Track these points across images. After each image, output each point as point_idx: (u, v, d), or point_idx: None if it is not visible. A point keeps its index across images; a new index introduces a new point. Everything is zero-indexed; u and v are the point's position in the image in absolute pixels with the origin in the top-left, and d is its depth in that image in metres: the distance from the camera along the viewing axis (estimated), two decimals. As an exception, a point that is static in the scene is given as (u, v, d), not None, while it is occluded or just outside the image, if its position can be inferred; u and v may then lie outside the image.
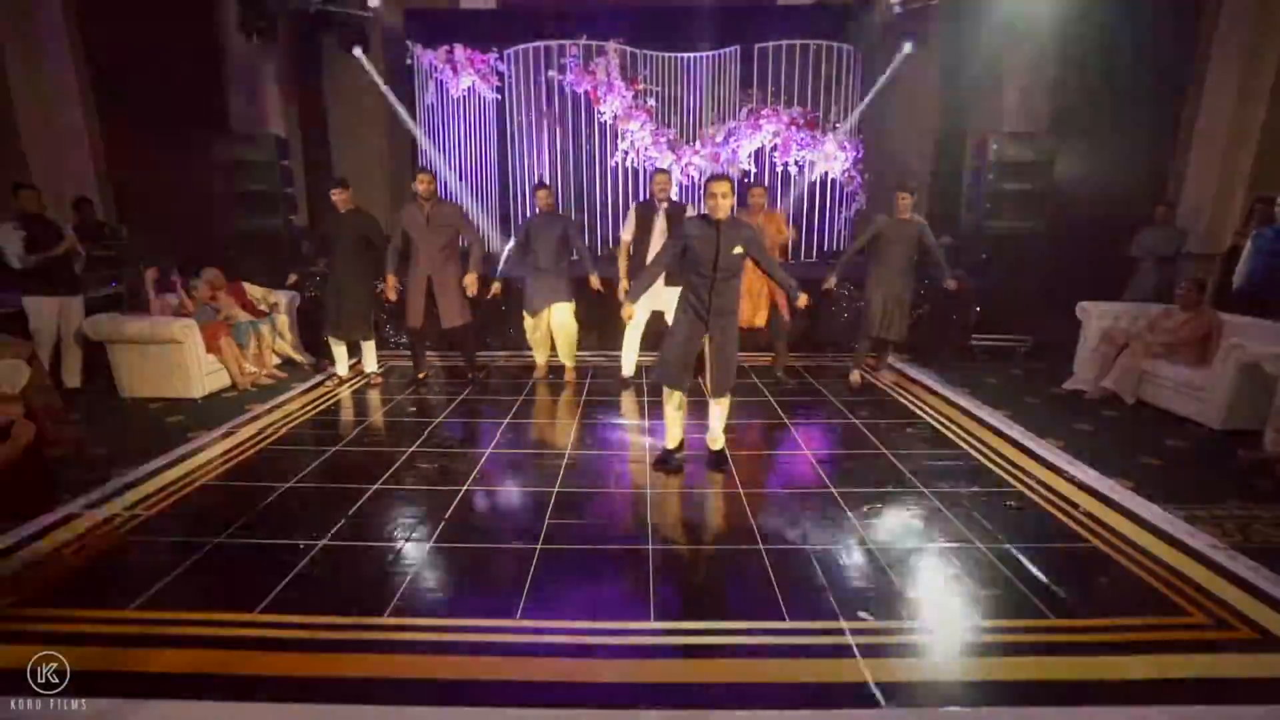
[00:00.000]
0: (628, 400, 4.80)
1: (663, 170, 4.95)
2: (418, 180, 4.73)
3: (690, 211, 4.86)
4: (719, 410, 3.41)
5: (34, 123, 5.95)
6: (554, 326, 5.14)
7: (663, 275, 4.79)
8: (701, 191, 4.39)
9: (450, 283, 4.86)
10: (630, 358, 5.12)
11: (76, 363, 4.93)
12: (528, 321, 5.15)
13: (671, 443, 3.50)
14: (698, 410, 3.92)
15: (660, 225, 4.71)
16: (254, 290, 5.74)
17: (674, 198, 4.88)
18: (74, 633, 2.12)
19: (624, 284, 4.64)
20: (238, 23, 6.43)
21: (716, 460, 3.50)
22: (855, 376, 5.19)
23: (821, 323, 6.21)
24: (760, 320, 5.02)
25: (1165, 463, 3.61)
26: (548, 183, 5.19)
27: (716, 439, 3.49)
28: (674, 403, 3.37)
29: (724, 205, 3.02)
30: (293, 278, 4.97)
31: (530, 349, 5.41)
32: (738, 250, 3.07)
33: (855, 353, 5.26)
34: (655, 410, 4.54)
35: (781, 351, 5.31)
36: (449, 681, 1.91)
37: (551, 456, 3.68)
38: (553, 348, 5.33)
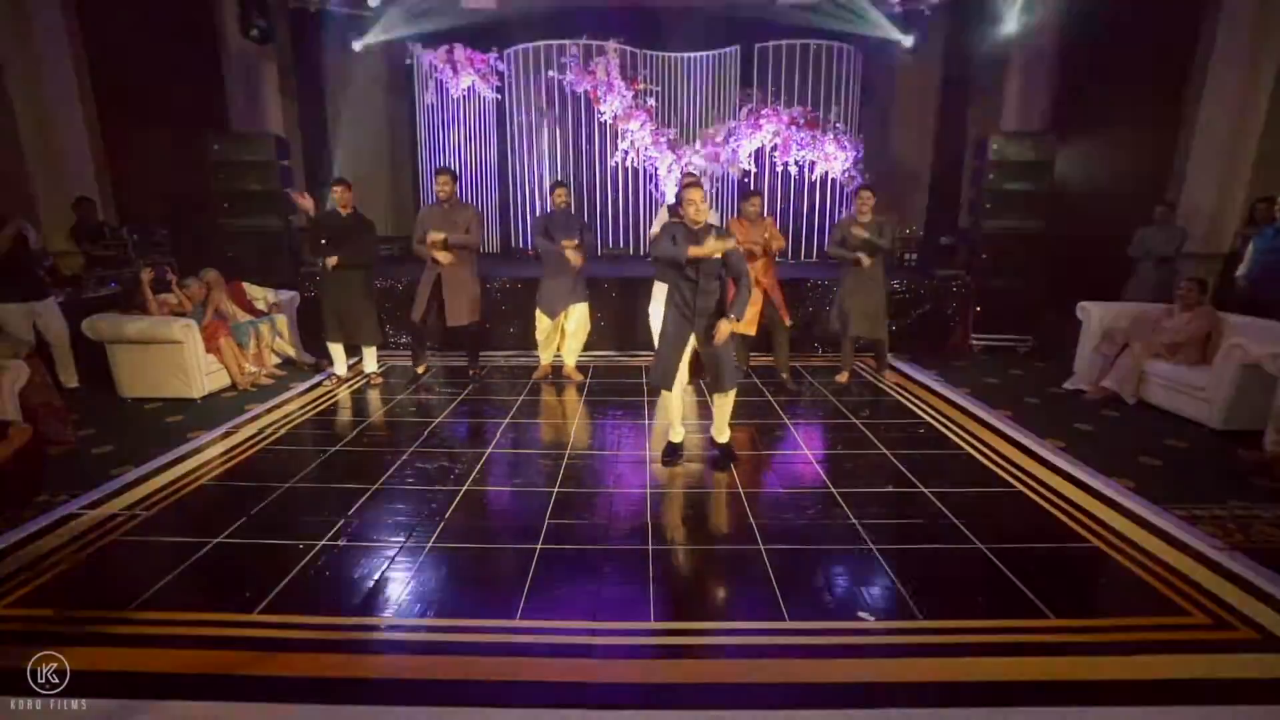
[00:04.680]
0: (628, 400, 4.80)
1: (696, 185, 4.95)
2: (436, 181, 4.85)
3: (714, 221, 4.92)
4: (722, 405, 3.46)
5: (34, 123, 5.95)
6: (575, 326, 5.15)
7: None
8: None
9: (460, 281, 4.90)
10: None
11: (70, 363, 4.90)
12: (543, 323, 5.07)
13: (676, 437, 3.59)
14: (702, 411, 3.94)
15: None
16: (254, 290, 5.74)
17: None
18: (74, 633, 2.12)
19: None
20: (238, 23, 6.43)
21: (722, 454, 3.53)
22: (843, 376, 5.22)
23: (820, 323, 6.20)
24: (752, 329, 4.91)
25: (1165, 463, 3.60)
26: (564, 181, 5.15)
27: (721, 431, 3.52)
28: (668, 401, 3.49)
29: (702, 210, 3.17)
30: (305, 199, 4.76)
31: (536, 350, 5.32)
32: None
33: (841, 354, 5.29)
34: (656, 410, 4.55)
35: (783, 353, 5.26)
36: (449, 681, 1.91)
37: (551, 456, 3.68)
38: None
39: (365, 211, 4.97)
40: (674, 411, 3.53)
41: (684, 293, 3.24)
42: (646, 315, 5.26)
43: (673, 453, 3.59)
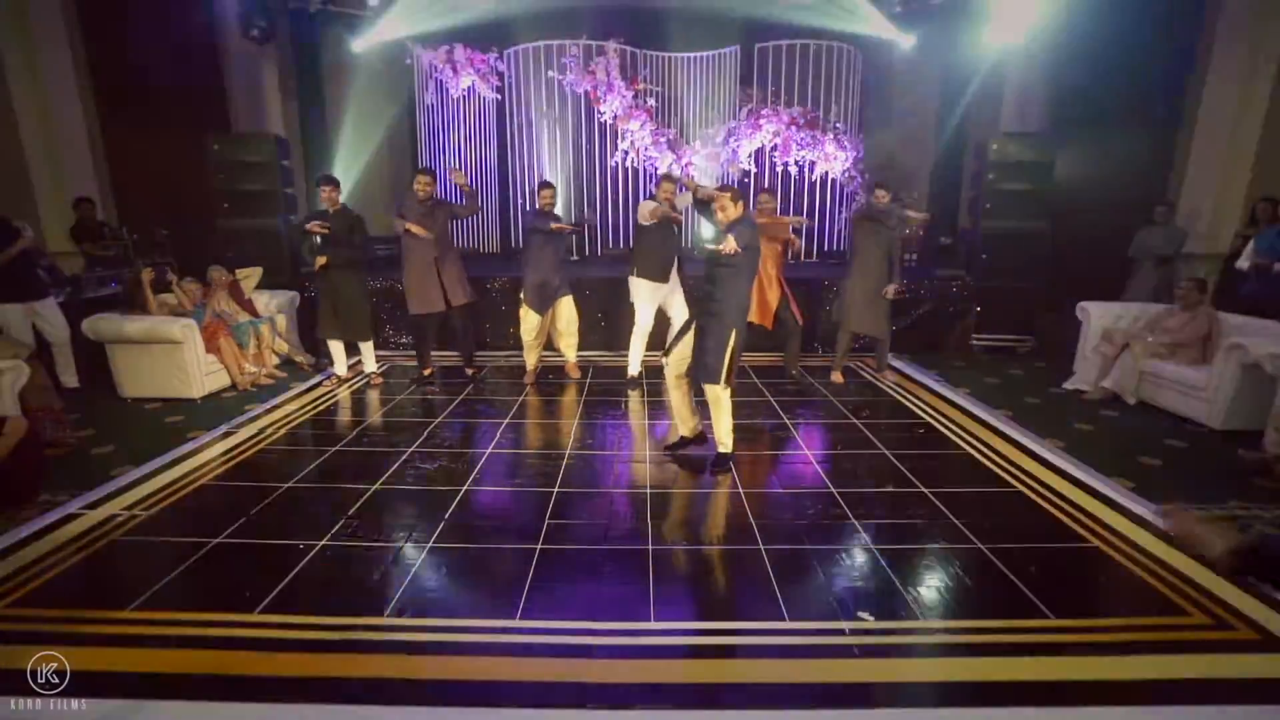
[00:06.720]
0: (628, 399, 4.80)
1: (669, 177, 4.93)
2: (417, 181, 4.82)
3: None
4: (712, 403, 3.37)
5: (34, 123, 5.95)
6: (567, 319, 5.17)
7: (663, 272, 4.85)
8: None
9: (452, 264, 4.96)
10: (636, 358, 5.20)
11: (70, 363, 4.90)
12: (530, 319, 5.04)
13: (690, 433, 3.62)
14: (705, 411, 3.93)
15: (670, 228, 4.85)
16: (249, 274, 5.70)
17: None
18: (74, 633, 2.12)
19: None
20: (238, 23, 6.43)
21: (715, 462, 3.45)
22: (836, 375, 5.20)
23: (821, 323, 6.21)
24: (767, 322, 5.01)
25: (1165, 463, 3.61)
26: (552, 183, 5.14)
27: (720, 440, 3.46)
28: (674, 385, 3.54)
29: (731, 212, 3.23)
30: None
31: (522, 351, 5.28)
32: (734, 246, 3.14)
33: (836, 352, 5.28)
34: (656, 409, 4.55)
35: (794, 351, 5.30)
36: (449, 681, 1.91)
37: (551, 456, 3.68)
38: (549, 345, 5.30)
39: (364, 212, 4.97)
40: (673, 402, 3.57)
41: (701, 284, 3.35)
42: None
43: (681, 445, 3.64)
